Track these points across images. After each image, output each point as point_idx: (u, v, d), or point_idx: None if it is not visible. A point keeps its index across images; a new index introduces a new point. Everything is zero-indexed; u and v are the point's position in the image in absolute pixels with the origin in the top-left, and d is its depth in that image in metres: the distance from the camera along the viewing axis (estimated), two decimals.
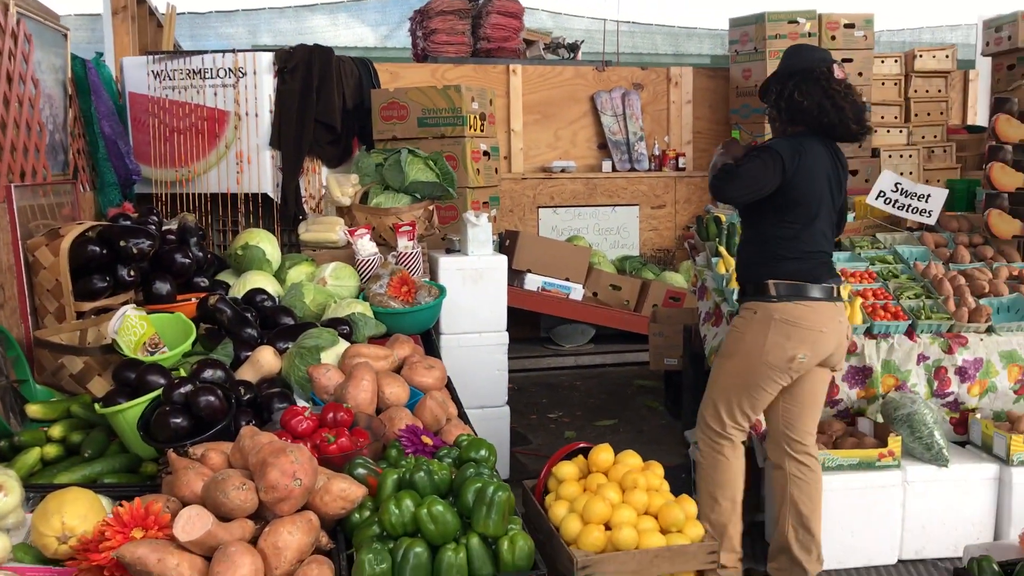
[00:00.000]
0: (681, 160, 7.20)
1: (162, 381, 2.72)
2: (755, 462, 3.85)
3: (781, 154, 3.12)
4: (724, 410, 3.32)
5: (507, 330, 4.52)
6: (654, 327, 5.44)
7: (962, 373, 3.86)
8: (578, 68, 7.21)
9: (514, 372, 6.16)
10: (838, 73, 3.22)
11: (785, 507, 3.32)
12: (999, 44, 6.49)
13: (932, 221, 4.47)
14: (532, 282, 6.20)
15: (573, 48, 7.65)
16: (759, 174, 3.12)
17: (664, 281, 6.52)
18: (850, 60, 6.74)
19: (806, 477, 3.30)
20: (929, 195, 4.44)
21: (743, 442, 3.37)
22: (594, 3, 10.57)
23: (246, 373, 3.02)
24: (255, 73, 5.18)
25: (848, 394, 3.84)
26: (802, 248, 3.20)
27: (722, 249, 4.38)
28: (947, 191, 4.51)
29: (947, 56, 7.13)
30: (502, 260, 4.48)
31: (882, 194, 4.42)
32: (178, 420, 2.59)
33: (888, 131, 6.99)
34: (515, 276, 6.18)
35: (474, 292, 4.38)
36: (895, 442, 3.59)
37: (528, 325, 6.58)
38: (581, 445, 2.93)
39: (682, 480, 4.35)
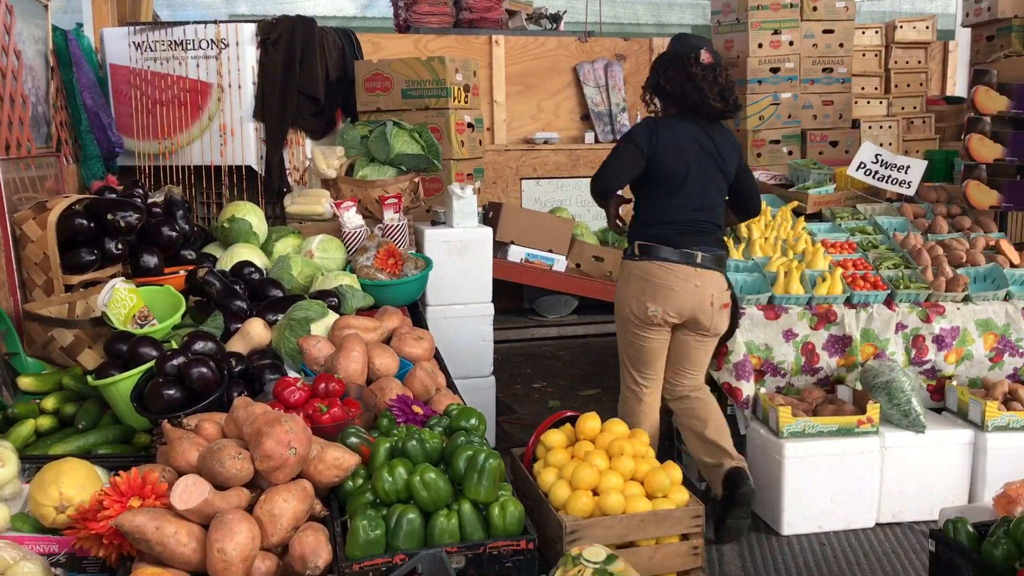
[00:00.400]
0: None
1: (154, 353, 2.75)
2: (738, 429, 3.93)
3: (636, 139, 3.51)
4: (629, 366, 3.70)
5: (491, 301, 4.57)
6: None
7: (939, 341, 3.94)
8: (560, 39, 7.20)
9: (498, 343, 6.19)
10: (704, 58, 3.49)
11: (687, 438, 3.71)
12: (978, 15, 6.54)
13: (911, 192, 4.53)
14: (515, 254, 6.23)
15: (555, 18, 7.63)
16: (618, 163, 3.53)
17: None
18: (831, 31, 6.76)
19: (692, 405, 3.69)
20: (908, 166, 4.50)
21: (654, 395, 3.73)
22: None
23: (236, 345, 3.05)
24: (237, 44, 5.14)
25: (828, 362, 3.92)
26: (664, 217, 3.53)
27: None
28: (926, 162, 4.58)
29: (927, 27, 7.18)
30: (487, 232, 4.51)
31: (862, 165, 4.48)
32: (171, 391, 2.62)
33: (868, 102, 7.04)
34: (498, 248, 6.19)
35: (460, 264, 4.41)
36: (873, 409, 3.67)
37: (511, 296, 6.61)
38: (568, 414, 2.99)
39: (665, 448, 4.43)
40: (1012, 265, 4.13)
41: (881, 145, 6.75)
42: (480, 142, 5.63)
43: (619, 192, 3.73)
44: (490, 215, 6.27)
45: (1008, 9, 6.23)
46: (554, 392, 5.54)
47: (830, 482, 3.68)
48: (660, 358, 3.65)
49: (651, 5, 11.09)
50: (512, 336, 6.44)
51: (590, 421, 2.87)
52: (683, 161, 3.48)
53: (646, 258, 3.52)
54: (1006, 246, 4.19)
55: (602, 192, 3.63)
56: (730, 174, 3.60)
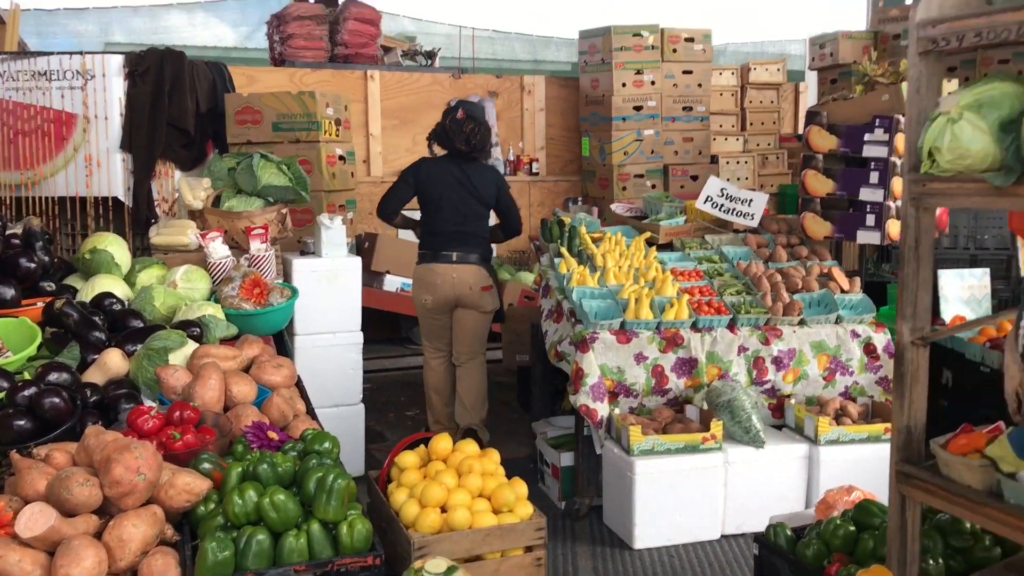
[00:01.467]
0: (535, 165, 7.48)
1: (5, 384, 2.75)
2: (589, 448, 4.12)
3: (404, 175, 4.83)
4: (422, 337, 4.99)
5: (366, 331, 4.68)
6: (507, 325, 5.67)
7: (778, 362, 4.24)
8: (435, 75, 7.39)
9: (373, 372, 6.28)
10: (459, 115, 4.75)
11: (457, 401, 4.92)
12: (823, 60, 7.06)
13: (755, 223, 4.86)
14: (391, 283, 6.35)
15: (430, 55, 7.82)
16: (392, 192, 4.81)
17: (520, 281, 6.76)
18: (690, 72, 7.16)
19: (462, 372, 4.89)
20: (752, 199, 4.83)
21: (440, 360, 4.95)
22: (455, 10, 10.80)
23: (94, 375, 3.07)
24: (104, 76, 5.13)
25: (676, 383, 4.16)
26: (432, 230, 4.79)
27: (564, 250, 4.65)
28: (767, 196, 4.92)
29: (778, 69, 7.67)
30: (356, 262, 4.61)
31: (709, 199, 4.79)
32: (21, 422, 2.63)
33: (726, 139, 7.47)
34: (374, 278, 6.30)
35: (328, 293, 4.49)
36: (717, 426, 3.92)
37: (388, 326, 6.71)
38: (423, 435, 3.11)
39: (530, 469, 4.60)
40: (842, 291, 4.48)
41: (738, 179, 7.18)
42: (352, 174, 5.74)
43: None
44: (366, 245, 6.37)
45: (847, 55, 6.76)
46: (427, 420, 5.63)
47: (678, 497, 3.90)
48: (442, 333, 4.85)
49: (528, 43, 11.45)
50: (388, 365, 6.53)
51: (442, 442, 3.00)
52: (439, 189, 4.71)
53: (420, 263, 4.81)
54: (837, 273, 4.55)
55: (381, 215, 4.85)
56: (487, 199, 4.79)
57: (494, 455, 3.04)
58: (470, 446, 3.03)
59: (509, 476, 3.02)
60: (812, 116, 4.84)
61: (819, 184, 4.77)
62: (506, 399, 6.02)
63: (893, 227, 4.55)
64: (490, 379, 6.43)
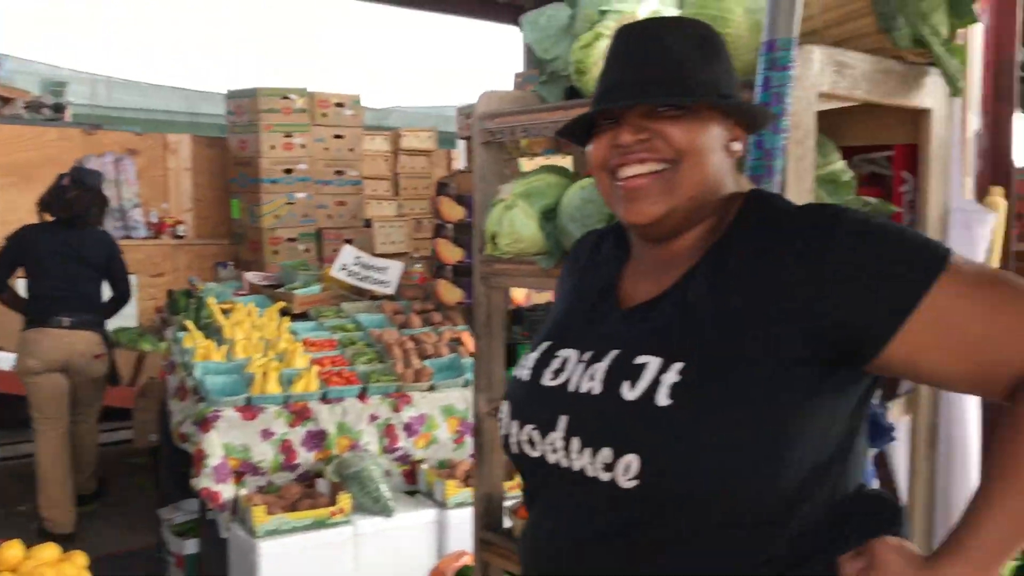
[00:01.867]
0: (181, 228, 7.13)
1: None
2: (214, 533, 3.92)
3: (8, 241, 4.89)
4: (31, 409, 4.82)
5: None
6: (140, 402, 5.31)
7: (409, 429, 4.29)
8: (64, 130, 6.83)
9: None
10: (64, 182, 4.89)
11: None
12: (467, 130, 7.42)
13: (391, 291, 4.94)
14: (5, 361, 5.68)
15: (58, 108, 7.23)
16: None
17: (161, 352, 6.36)
18: (342, 136, 7.22)
19: (82, 431, 5.07)
20: (387, 267, 4.91)
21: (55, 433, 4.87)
22: (99, 59, 10.14)
23: None
24: None
25: (306, 457, 4.07)
26: (36, 294, 4.83)
27: (189, 323, 4.42)
28: (402, 264, 5.03)
29: (429, 136, 7.97)
30: None
31: (344, 267, 4.80)
32: None
33: (380, 203, 7.59)
34: None
35: None
36: (344, 499, 3.87)
37: (6, 407, 5.98)
38: None
39: (155, 560, 4.28)
40: (471, 355, 4.65)
41: (392, 243, 7.30)
42: None
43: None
44: None
45: None
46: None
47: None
48: (50, 403, 4.75)
49: (184, 96, 10.99)
50: (3, 454, 5.82)
51: (11, 550, 2.69)
52: (43, 255, 4.74)
53: (27, 328, 4.77)
54: (467, 338, 4.72)
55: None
56: (97, 265, 4.87)
57: (79, 559, 2.76)
58: (48, 551, 2.73)
59: (131, 570, 2.78)
60: (442, 187, 5.04)
61: (449, 252, 4.95)
62: (139, 482, 5.59)
63: (517, 292, 4.82)
64: (121, 460, 5.98)
